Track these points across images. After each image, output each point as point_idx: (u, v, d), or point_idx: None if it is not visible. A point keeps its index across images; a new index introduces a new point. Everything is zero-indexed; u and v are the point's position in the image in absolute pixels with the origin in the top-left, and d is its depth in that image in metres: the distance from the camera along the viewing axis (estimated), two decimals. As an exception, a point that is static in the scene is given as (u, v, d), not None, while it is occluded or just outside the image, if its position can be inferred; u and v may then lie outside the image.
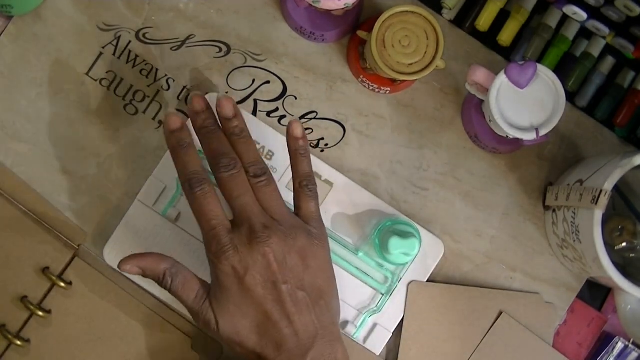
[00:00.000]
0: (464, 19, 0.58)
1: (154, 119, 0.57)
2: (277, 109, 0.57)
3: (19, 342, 0.53)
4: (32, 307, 0.53)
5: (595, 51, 0.57)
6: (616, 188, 0.49)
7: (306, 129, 0.57)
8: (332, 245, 0.54)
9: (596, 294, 0.58)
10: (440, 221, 0.57)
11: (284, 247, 0.44)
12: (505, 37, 0.56)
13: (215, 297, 0.44)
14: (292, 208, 0.49)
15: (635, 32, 0.53)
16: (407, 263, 0.53)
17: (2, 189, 0.55)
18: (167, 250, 0.53)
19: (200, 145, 0.48)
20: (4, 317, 0.54)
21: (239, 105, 0.56)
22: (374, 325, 0.54)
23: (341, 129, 0.57)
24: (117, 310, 0.54)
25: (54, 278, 0.53)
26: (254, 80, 0.57)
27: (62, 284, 0.53)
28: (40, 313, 0.53)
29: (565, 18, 0.56)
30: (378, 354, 0.54)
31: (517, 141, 0.53)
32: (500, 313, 0.56)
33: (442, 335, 0.55)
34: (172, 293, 0.45)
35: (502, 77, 0.51)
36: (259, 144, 0.55)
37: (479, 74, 0.52)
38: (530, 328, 0.56)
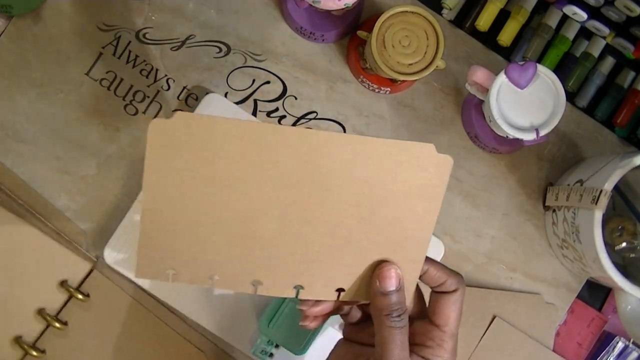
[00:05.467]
0: (464, 19, 0.58)
1: (154, 119, 0.56)
2: (277, 109, 0.57)
3: (34, 353, 0.52)
4: (49, 318, 0.53)
5: (595, 51, 0.57)
6: (616, 188, 0.49)
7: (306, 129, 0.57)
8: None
9: (596, 294, 0.58)
10: (440, 221, 0.57)
11: None
12: (505, 37, 0.56)
13: None
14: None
15: (635, 32, 0.53)
16: None
17: (22, 199, 0.55)
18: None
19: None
20: (20, 328, 0.53)
21: (239, 106, 0.56)
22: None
23: (341, 129, 0.57)
24: (134, 323, 0.54)
25: (71, 290, 0.53)
26: (254, 80, 0.57)
27: (80, 296, 0.53)
28: (57, 324, 0.53)
29: (565, 18, 0.56)
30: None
31: (517, 141, 0.52)
32: (494, 317, 0.56)
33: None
34: None
35: (502, 77, 0.51)
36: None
37: (479, 74, 0.52)
38: (530, 328, 0.56)
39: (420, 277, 0.41)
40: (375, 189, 0.38)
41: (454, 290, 0.40)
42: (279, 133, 0.36)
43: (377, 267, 0.39)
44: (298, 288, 0.40)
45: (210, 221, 0.38)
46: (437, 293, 0.41)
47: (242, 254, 0.39)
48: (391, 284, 0.39)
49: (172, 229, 0.38)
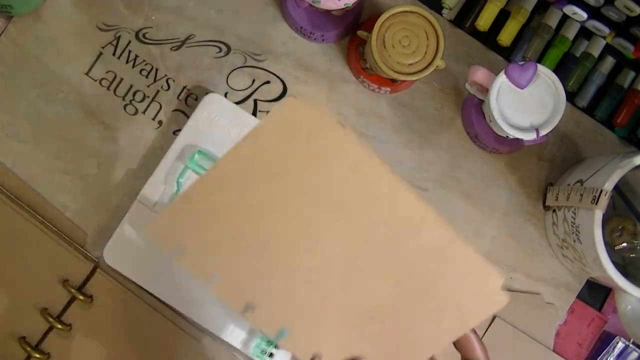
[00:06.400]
0: (464, 19, 0.58)
1: (154, 119, 0.57)
2: (277, 109, 0.57)
3: (37, 355, 0.52)
4: (51, 319, 0.52)
5: (595, 51, 0.57)
6: (616, 188, 0.49)
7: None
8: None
9: (596, 294, 0.58)
10: (440, 221, 0.57)
11: None
12: (505, 37, 0.56)
13: None
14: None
15: (635, 32, 0.53)
16: None
17: (21, 199, 0.54)
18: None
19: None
20: (23, 329, 0.53)
21: (238, 105, 0.56)
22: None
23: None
24: (139, 325, 0.54)
25: (73, 291, 0.53)
26: (254, 80, 0.57)
27: (82, 297, 0.53)
28: (59, 326, 0.52)
29: (565, 18, 0.56)
30: None
31: (517, 141, 0.53)
32: (494, 317, 0.56)
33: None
34: None
35: (502, 77, 0.51)
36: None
37: (479, 74, 0.52)
38: (530, 329, 0.56)
39: (456, 344, 0.39)
40: (426, 283, 0.36)
41: None
42: (393, 188, 0.34)
43: None
44: (282, 333, 0.37)
45: (257, 227, 0.35)
46: None
47: (261, 272, 0.36)
48: None
49: (213, 212, 0.35)
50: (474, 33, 0.58)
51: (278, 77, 0.57)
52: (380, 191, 0.34)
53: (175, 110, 0.57)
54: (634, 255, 0.55)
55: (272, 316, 0.37)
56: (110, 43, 0.57)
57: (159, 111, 0.57)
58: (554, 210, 0.55)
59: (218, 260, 0.36)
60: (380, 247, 0.35)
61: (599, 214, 0.48)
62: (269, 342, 0.53)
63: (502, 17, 0.56)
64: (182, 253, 0.36)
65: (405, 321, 0.37)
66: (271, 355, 0.53)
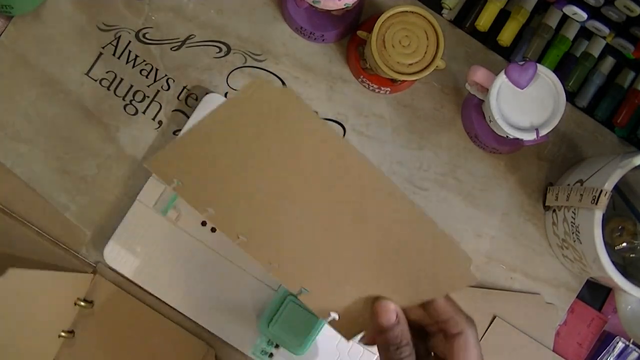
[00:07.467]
0: (464, 19, 0.58)
1: (154, 119, 0.57)
2: (277, 109, 0.57)
3: None
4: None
5: (595, 51, 0.57)
6: (616, 188, 0.49)
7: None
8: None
9: (596, 294, 0.58)
10: (440, 221, 0.57)
11: None
12: (505, 37, 0.56)
13: None
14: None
15: (635, 32, 0.53)
16: None
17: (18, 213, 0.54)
18: (166, 251, 0.53)
19: None
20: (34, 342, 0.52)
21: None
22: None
23: (341, 129, 0.57)
24: (141, 325, 0.54)
25: (75, 300, 0.52)
26: (254, 80, 0.57)
27: (83, 303, 0.53)
28: (63, 333, 0.52)
29: (565, 18, 0.57)
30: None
31: (517, 141, 0.53)
32: (494, 317, 0.56)
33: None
34: None
35: (502, 77, 0.51)
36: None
37: (479, 74, 0.52)
38: (530, 329, 0.56)
39: (425, 307, 0.40)
40: (402, 248, 0.38)
41: (458, 333, 0.38)
42: (361, 162, 0.36)
43: (375, 304, 0.39)
44: (302, 290, 0.40)
45: (242, 178, 0.38)
46: (447, 338, 0.39)
47: (250, 211, 0.39)
48: (391, 317, 0.39)
49: (203, 158, 0.38)
50: (474, 33, 0.58)
51: (278, 77, 0.57)
52: (348, 163, 0.37)
53: (175, 110, 0.57)
54: (634, 255, 0.55)
55: (262, 251, 0.40)
56: (110, 43, 0.57)
57: (159, 111, 0.57)
58: (554, 210, 0.55)
59: (211, 196, 0.39)
60: (355, 211, 0.38)
61: (599, 214, 0.48)
62: (269, 342, 0.53)
63: (502, 17, 0.56)
64: (180, 187, 0.39)
65: (391, 274, 0.39)
66: (271, 355, 0.53)
